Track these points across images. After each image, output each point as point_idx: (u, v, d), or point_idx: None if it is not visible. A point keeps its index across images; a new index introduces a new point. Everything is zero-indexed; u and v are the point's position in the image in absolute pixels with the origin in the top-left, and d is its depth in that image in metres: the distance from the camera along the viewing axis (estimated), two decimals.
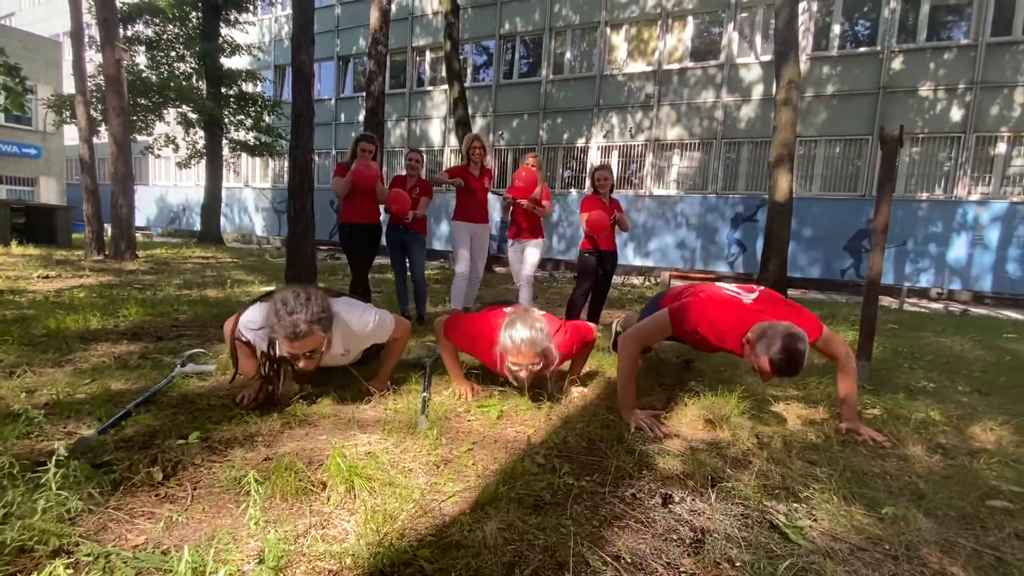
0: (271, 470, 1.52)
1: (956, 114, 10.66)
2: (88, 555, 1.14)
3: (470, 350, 2.45)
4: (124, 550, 1.18)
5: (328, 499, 1.43)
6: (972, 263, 10.60)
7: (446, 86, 13.41)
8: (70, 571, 1.07)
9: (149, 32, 14.61)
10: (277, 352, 1.99)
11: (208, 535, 1.24)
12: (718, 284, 2.36)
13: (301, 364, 1.95)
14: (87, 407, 2.00)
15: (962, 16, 10.81)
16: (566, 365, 2.59)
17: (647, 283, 10.03)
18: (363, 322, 2.19)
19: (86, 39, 10.54)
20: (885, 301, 8.21)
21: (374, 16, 7.15)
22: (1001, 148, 10.42)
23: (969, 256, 10.62)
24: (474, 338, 2.38)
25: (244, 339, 2.15)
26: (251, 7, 15.76)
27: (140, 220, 20.96)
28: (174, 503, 1.40)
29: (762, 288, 2.29)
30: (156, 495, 1.43)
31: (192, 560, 1.08)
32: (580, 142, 14.37)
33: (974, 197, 10.61)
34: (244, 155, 16.58)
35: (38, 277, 5.86)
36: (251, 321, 2.09)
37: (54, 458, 1.36)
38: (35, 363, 2.55)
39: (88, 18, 11.79)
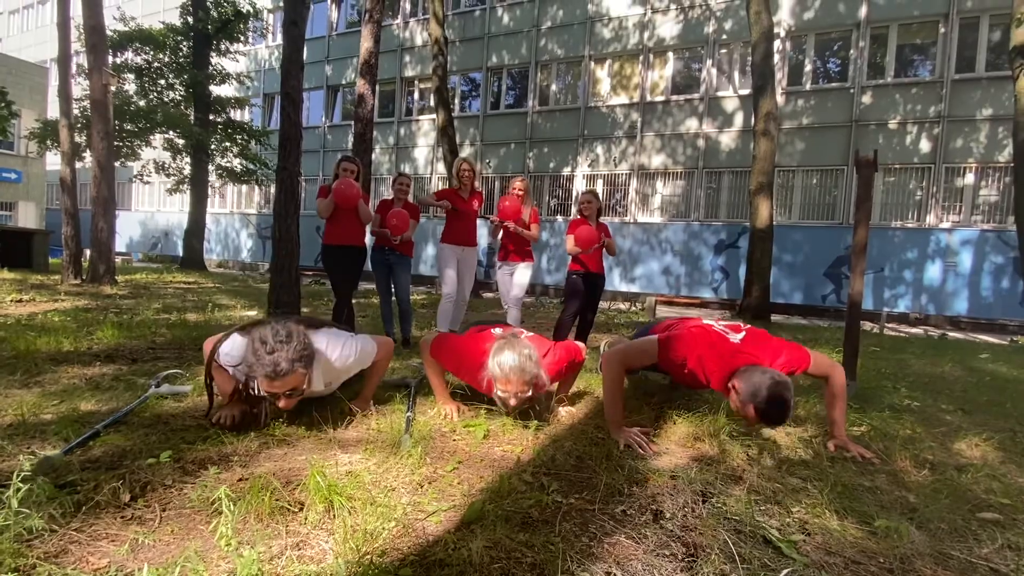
0: (246, 490, 1.45)
1: (925, 146, 11.11)
2: None
3: (456, 371, 2.41)
4: (84, 573, 1.10)
5: (306, 518, 1.37)
6: (947, 289, 10.88)
7: (434, 115, 13.62)
8: None
9: (139, 60, 14.72)
10: (256, 391, 1.92)
11: (176, 557, 1.17)
12: (706, 321, 2.34)
13: (281, 404, 1.88)
14: (53, 427, 1.91)
15: (927, 55, 11.39)
16: (555, 385, 2.55)
17: (633, 308, 10.08)
18: (345, 356, 2.12)
19: (73, 66, 10.58)
20: (866, 326, 8.33)
21: (365, 42, 7.27)
22: (969, 178, 10.84)
23: (943, 282, 10.90)
24: (460, 359, 2.34)
25: (221, 363, 2.07)
26: (243, 37, 16.01)
27: (120, 245, 20.64)
28: (141, 524, 1.32)
29: (749, 327, 2.27)
30: (122, 516, 1.35)
31: None
32: (566, 171, 14.63)
33: (945, 225, 10.96)
34: (230, 181, 16.55)
35: (11, 301, 5.68)
36: (228, 355, 2.01)
37: (17, 474, 1.28)
38: (1, 385, 2.44)
39: (77, 46, 11.88)
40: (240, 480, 1.59)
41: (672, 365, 2.20)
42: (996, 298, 10.50)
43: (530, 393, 2.13)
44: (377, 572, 1.12)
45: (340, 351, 2.11)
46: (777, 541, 1.35)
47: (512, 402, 2.12)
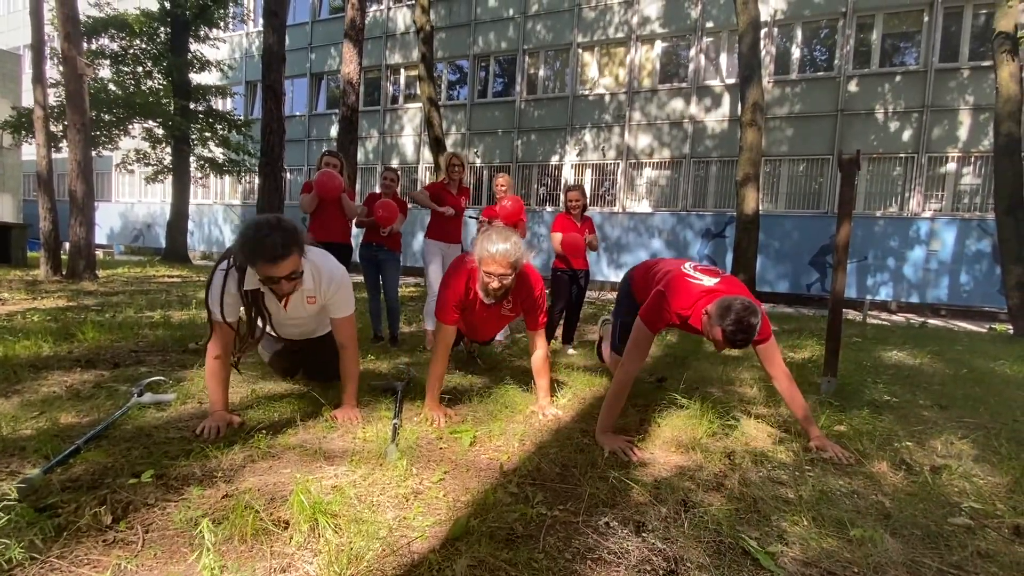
0: (229, 509, 1.44)
1: (909, 135, 11.21)
2: None
3: (458, 303, 2.47)
4: None
5: (290, 539, 1.37)
6: (928, 276, 11.07)
7: (420, 103, 13.44)
8: None
9: (114, 46, 14.29)
10: (246, 285, 2.00)
11: None
12: (683, 268, 2.37)
13: (282, 286, 1.98)
14: (33, 443, 1.88)
15: (912, 43, 11.45)
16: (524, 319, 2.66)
17: None
18: (330, 264, 2.24)
19: (47, 52, 10.26)
20: (849, 314, 8.47)
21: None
22: (951, 167, 10.99)
23: (925, 270, 11.09)
24: (450, 285, 2.45)
25: (219, 299, 2.07)
26: (222, 23, 15.59)
27: (101, 237, 20.23)
28: (123, 548, 1.32)
29: (725, 274, 2.36)
30: (104, 540, 1.34)
31: None
32: (554, 159, 14.56)
33: (927, 213, 11.12)
34: (212, 172, 16.22)
35: None
36: (223, 264, 2.07)
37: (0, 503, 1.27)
38: None
39: (50, 30, 11.50)
40: (224, 496, 1.59)
41: (664, 325, 2.30)
42: (975, 286, 10.71)
43: (511, 277, 2.32)
44: None
45: (323, 256, 2.24)
46: (755, 552, 1.39)
47: (495, 284, 2.31)
